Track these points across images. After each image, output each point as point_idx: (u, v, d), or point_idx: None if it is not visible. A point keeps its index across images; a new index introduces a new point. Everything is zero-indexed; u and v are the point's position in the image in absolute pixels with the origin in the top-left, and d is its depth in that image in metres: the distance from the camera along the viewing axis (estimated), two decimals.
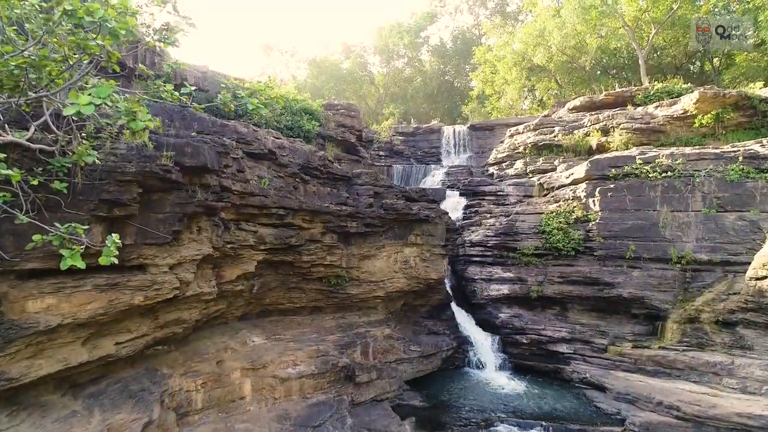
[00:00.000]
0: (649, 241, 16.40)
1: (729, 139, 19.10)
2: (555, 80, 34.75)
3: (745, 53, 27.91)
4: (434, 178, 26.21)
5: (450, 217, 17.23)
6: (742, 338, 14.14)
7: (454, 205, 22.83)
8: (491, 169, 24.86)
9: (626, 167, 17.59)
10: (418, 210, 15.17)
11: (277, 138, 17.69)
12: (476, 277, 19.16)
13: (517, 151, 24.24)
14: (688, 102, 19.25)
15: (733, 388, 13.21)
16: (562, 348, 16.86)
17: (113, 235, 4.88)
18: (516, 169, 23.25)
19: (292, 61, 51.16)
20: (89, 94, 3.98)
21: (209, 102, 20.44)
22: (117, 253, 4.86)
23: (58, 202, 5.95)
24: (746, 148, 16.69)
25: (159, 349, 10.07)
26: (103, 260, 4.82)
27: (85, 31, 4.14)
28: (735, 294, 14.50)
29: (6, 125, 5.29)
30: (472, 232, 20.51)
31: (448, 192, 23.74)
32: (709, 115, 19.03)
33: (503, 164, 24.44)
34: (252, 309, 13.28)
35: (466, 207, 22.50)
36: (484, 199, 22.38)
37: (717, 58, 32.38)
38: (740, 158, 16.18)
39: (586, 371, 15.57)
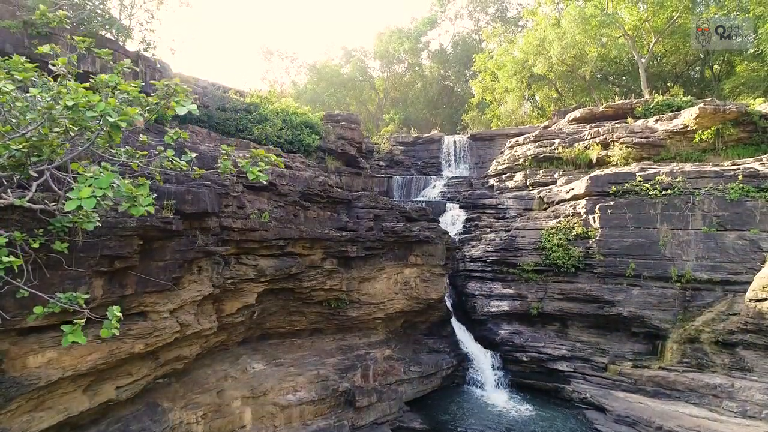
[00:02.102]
0: (649, 259, 16.40)
1: (729, 154, 19.10)
2: (555, 89, 34.70)
3: (745, 63, 27.85)
4: (434, 190, 26.19)
5: (450, 237, 17.22)
6: (742, 360, 14.17)
7: (454, 218, 22.85)
8: (491, 181, 24.85)
9: (626, 184, 17.57)
10: (418, 231, 15.18)
11: (278, 155, 17.70)
12: (476, 293, 19.19)
13: (517, 163, 24.23)
14: (688, 117, 19.22)
15: (733, 412, 13.24)
16: (562, 366, 16.88)
17: (114, 307, 4.90)
18: (516, 181, 23.24)
19: (293, 66, 51.12)
20: (90, 185, 4.00)
21: (209, 117, 20.42)
22: (118, 326, 4.88)
23: (59, 260, 5.97)
24: (746, 166, 16.66)
25: (159, 383, 10.07)
26: (104, 333, 4.83)
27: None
28: (735, 314, 14.52)
29: (8, 189, 5.30)
30: (472, 247, 20.52)
31: (448, 205, 23.73)
32: (709, 131, 19.00)
33: (503, 176, 24.43)
34: (252, 333, 13.31)
35: (467, 220, 22.52)
36: (484, 213, 22.41)
37: (717, 65, 32.36)
38: (740, 177, 16.16)
39: (586, 391, 15.60)
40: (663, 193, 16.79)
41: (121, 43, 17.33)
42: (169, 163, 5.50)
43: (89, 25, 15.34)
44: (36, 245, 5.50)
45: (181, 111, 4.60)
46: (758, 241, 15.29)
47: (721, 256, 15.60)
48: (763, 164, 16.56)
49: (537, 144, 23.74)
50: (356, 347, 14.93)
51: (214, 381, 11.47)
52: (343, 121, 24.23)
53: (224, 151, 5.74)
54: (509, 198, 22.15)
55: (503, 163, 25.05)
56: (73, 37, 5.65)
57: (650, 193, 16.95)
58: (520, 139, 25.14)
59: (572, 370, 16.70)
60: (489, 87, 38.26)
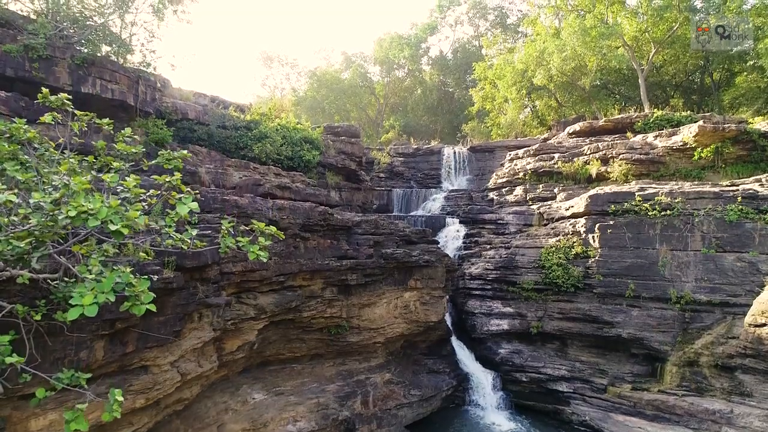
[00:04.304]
0: (649, 280, 16.42)
1: (728, 172, 19.10)
2: (555, 98, 34.70)
3: (745, 74, 27.83)
4: (434, 203, 26.22)
5: (450, 258, 17.25)
6: (741, 384, 14.20)
7: (453, 233, 22.89)
8: (491, 195, 24.88)
9: (626, 203, 17.54)
10: (418, 256, 15.22)
11: (278, 175, 17.72)
12: (476, 311, 19.22)
13: (517, 176, 24.24)
14: (687, 135, 19.20)
15: None
16: (562, 387, 16.92)
17: (116, 390, 4.94)
18: (516, 195, 23.25)
19: (293, 72, 51.14)
20: (92, 289, 4.03)
21: (209, 135, 20.39)
22: (120, 408, 4.92)
23: (61, 327, 6.00)
24: (745, 187, 16.63)
25: (159, 421, 10.13)
26: (105, 417, 4.88)
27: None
28: (734, 338, 14.54)
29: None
30: (472, 264, 20.54)
31: (448, 219, 23.75)
32: (708, 148, 18.99)
33: (503, 190, 24.46)
34: (252, 362, 13.35)
35: (466, 236, 22.54)
36: (484, 228, 22.43)
37: (717, 73, 32.31)
38: (739, 198, 16.15)
39: (586, 413, 15.67)
40: (662, 213, 16.78)
41: (122, 61, 17.34)
42: (170, 241, 5.53)
43: (89, 43, 15.34)
44: (38, 317, 5.54)
45: (183, 210, 4.64)
46: (757, 264, 15.30)
47: (720, 278, 15.61)
48: (762, 185, 16.56)
49: (537, 158, 23.74)
50: (356, 372, 14.98)
51: (215, 414, 11.52)
52: (344, 134, 24.25)
53: (224, 227, 5.79)
54: (509, 213, 22.15)
55: (503, 177, 25.07)
56: (75, 112, 5.69)
57: (649, 213, 16.95)
58: (520, 152, 25.15)
59: (572, 390, 16.74)
60: (489, 96, 38.27)
